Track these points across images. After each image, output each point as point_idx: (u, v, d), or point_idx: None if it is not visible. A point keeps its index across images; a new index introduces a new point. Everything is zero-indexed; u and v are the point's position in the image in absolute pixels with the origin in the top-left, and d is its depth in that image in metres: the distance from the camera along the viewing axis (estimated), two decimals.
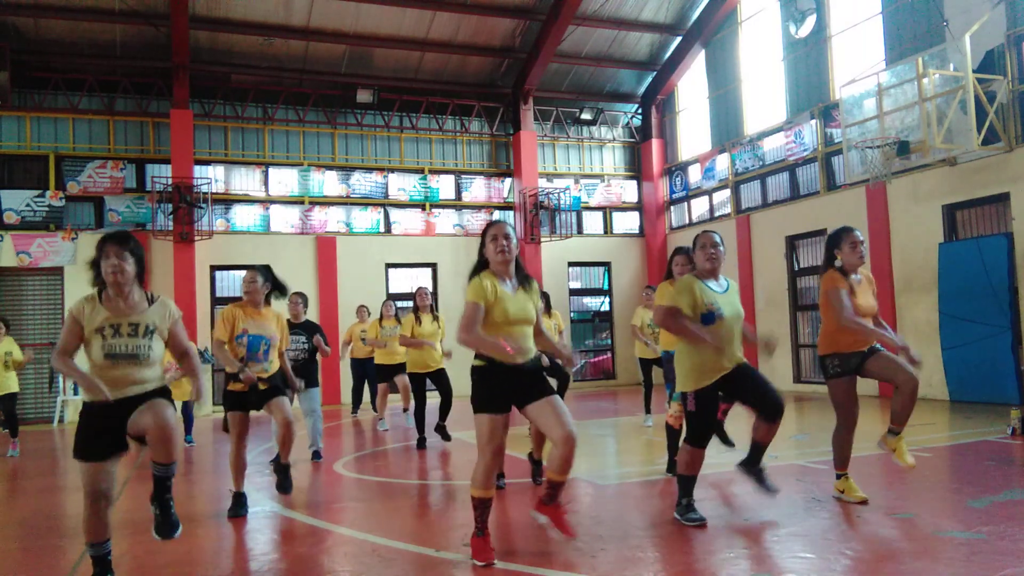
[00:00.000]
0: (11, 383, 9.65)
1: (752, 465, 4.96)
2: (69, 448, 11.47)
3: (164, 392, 3.82)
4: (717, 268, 4.79)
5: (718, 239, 4.78)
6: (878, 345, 5.03)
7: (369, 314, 12.93)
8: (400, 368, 9.79)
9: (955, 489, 5.23)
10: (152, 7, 14.08)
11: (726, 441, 6.81)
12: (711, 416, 4.75)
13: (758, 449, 4.90)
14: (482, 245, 4.27)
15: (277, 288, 5.82)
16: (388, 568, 4.14)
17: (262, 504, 5.95)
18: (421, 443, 8.57)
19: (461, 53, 16.55)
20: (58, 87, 14.66)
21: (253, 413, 5.65)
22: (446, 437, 8.53)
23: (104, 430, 3.68)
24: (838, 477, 5.13)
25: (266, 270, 5.81)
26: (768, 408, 4.70)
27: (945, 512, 4.82)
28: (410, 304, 8.92)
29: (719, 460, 6.48)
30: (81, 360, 3.69)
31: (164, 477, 3.74)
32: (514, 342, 4.03)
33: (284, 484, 5.91)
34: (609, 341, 18.43)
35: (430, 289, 9.09)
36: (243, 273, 6.00)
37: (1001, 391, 10.31)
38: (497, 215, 17.59)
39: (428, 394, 8.60)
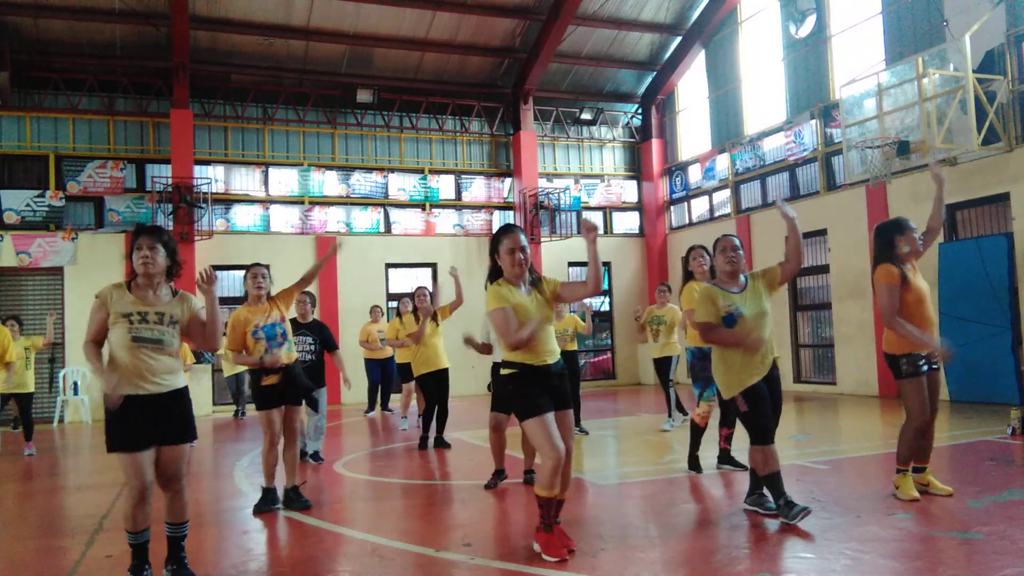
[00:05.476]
0: (28, 382, 9.58)
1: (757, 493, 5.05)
2: (69, 448, 11.32)
3: (186, 397, 3.94)
4: (737, 271, 4.87)
5: (737, 243, 4.89)
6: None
7: (383, 314, 12.94)
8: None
9: (955, 489, 5.22)
10: (152, 7, 14.08)
11: (737, 465, 6.44)
12: (766, 410, 4.74)
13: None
14: (494, 252, 4.27)
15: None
16: (388, 568, 4.15)
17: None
18: (423, 443, 8.58)
19: (461, 53, 16.54)
20: (58, 87, 14.66)
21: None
22: (446, 445, 8.60)
23: (140, 419, 3.77)
24: (898, 472, 5.15)
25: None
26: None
27: (945, 512, 4.82)
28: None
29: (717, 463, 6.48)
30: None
31: (178, 537, 3.96)
32: (538, 341, 4.14)
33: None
34: (609, 341, 18.43)
35: (430, 289, 9.11)
36: (244, 273, 5.99)
37: (1001, 391, 10.31)
38: (497, 215, 17.58)
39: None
